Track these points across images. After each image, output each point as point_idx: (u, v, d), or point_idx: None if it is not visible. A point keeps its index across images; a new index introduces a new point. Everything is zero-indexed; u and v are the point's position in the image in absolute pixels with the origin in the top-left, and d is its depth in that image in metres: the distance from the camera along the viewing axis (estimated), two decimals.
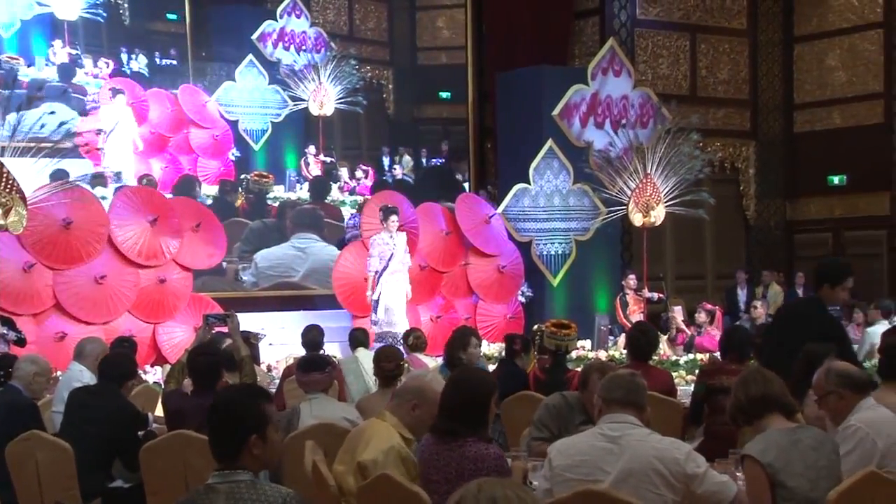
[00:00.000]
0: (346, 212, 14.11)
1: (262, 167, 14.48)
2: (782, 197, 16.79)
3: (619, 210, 12.48)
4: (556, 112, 13.13)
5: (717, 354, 8.07)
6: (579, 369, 6.04)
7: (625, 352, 8.83)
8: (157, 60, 14.37)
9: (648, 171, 12.17)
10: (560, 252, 13.20)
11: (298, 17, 14.96)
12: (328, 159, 15.02)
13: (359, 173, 15.44)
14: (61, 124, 10.36)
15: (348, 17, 15.75)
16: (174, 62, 14.54)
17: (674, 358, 10.03)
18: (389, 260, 11.17)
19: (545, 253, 13.12)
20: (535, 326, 9.34)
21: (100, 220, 10.29)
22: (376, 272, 11.15)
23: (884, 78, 15.62)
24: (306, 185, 14.50)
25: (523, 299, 12.78)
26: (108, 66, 14.04)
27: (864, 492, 3.78)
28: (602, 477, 3.77)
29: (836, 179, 16.26)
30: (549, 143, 13.04)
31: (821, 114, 16.57)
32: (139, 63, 14.31)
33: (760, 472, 3.72)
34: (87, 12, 13.78)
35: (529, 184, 12.96)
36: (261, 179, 13.80)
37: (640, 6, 15.42)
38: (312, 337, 8.20)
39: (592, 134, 13.31)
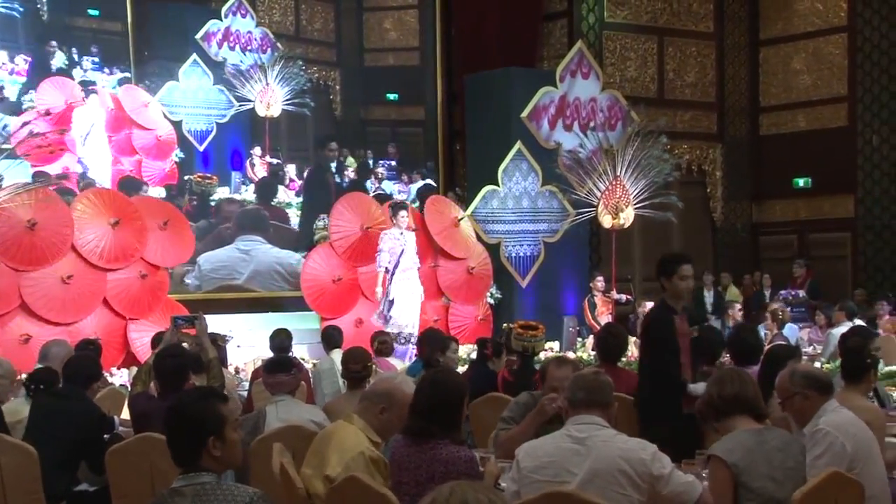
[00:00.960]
0: (293, 214, 13.88)
1: (206, 169, 14.24)
2: (748, 199, 16.93)
3: (587, 212, 12.54)
4: (524, 114, 13.16)
5: None
6: None
7: (593, 353, 8.86)
8: (76, 57, 13.86)
9: (618, 174, 12.24)
10: (529, 254, 13.23)
11: (244, 16, 14.62)
12: (274, 161, 14.73)
13: (306, 175, 14.96)
14: None
15: (295, 18, 15.55)
16: (96, 60, 13.99)
17: None
18: (400, 256, 11.04)
19: (514, 254, 13.15)
20: (504, 325, 9.36)
21: (64, 221, 10.20)
22: (386, 269, 11.00)
23: (848, 81, 15.79)
24: (252, 187, 14.22)
25: (492, 301, 12.80)
26: (25, 63, 13.54)
27: (828, 492, 3.81)
28: (569, 478, 3.78)
29: (801, 182, 16.42)
30: (518, 145, 13.08)
31: (786, 117, 16.73)
32: (85, 65, 13.82)
33: (725, 472, 3.75)
34: (3, 7, 13.27)
35: (498, 186, 12.99)
36: (204, 181, 13.55)
37: (607, 9, 15.49)
38: (280, 340, 8.17)
39: (561, 136, 13.36)
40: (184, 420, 3.01)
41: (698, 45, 16.56)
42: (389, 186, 15.29)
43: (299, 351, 10.21)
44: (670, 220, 12.72)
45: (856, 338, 6.44)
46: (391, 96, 16.31)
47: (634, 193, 12.28)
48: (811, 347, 10.66)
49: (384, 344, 8.24)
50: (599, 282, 12.80)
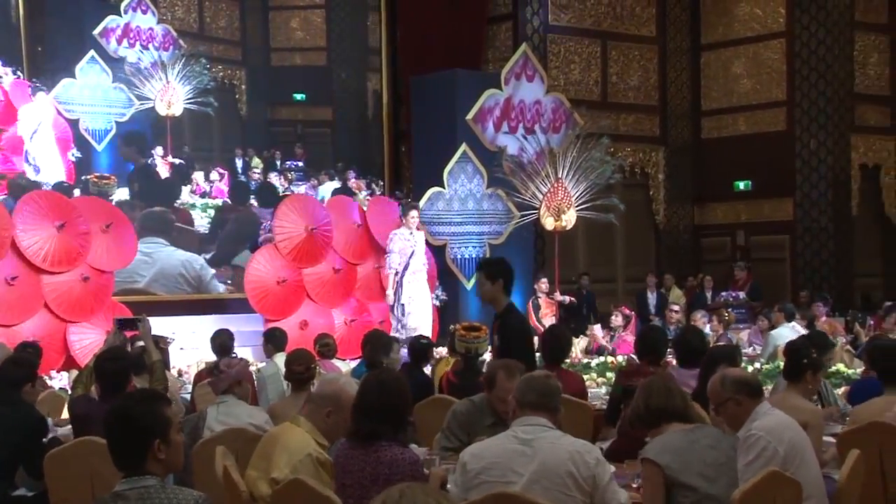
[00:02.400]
0: (197, 216, 13.53)
1: (104, 168, 13.69)
2: (690, 202, 17.15)
3: (531, 214, 12.60)
4: (470, 116, 13.19)
5: (634, 356, 8.17)
6: None
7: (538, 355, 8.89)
8: None
9: (560, 176, 12.32)
10: (474, 255, 13.26)
11: (144, 12, 14.25)
12: (177, 161, 14.34)
13: (214, 175, 14.76)
14: None
15: (198, 15, 15.24)
16: None
17: (585, 361, 10.13)
18: (410, 258, 10.84)
19: (459, 256, 13.18)
20: (452, 327, 9.37)
21: (2, 223, 10.02)
22: (396, 272, 10.79)
23: (786, 86, 16.06)
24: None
25: (438, 303, 12.81)
26: None
27: (766, 491, 3.88)
28: (515, 479, 3.80)
29: (741, 185, 16.67)
30: (464, 147, 13.11)
31: (727, 120, 16.98)
32: None
33: (657, 474, 3.80)
34: None
35: (444, 188, 13.01)
36: (101, 181, 13.09)
37: (552, 12, 15.60)
38: (222, 341, 8.10)
39: (506, 138, 13.41)
40: (129, 423, 2.98)
41: (641, 48, 16.73)
42: (297, 188, 15.00)
43: (243, 353, 10.10)
44: (613, 223, 12.83)
45: (798, 338, 6.54)
46: (298, 96, 16.11)
47: (576, 195, 12.37)
48: (751, 348, 10.80)
49: (327, 346, 8.22)
50: (543, 283, 12.87)
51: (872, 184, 16.42)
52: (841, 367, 8.15)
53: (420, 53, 14.79)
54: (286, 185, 14.97)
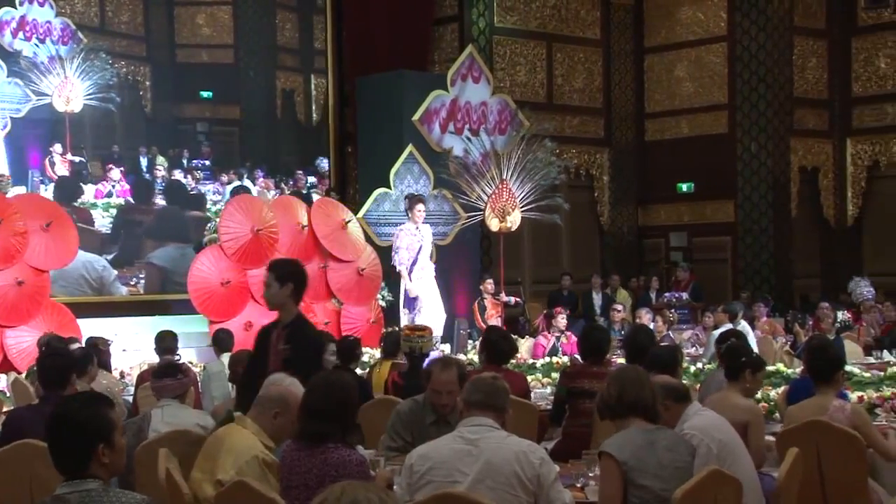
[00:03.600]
0: (98, 215, 13.30)
1: None
2: (634, 203, 17.32)
3: (477, 215, 12.64)
4: (416, 117, 13.21)
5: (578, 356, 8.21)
6: None
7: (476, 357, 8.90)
8: None
9: (505, 177, 12.37)
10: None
11: (42, 5, 13.71)
12: (77, 159, 13.88)
13: (115, 174, 14.19)
14: None
15: (99, 9, 14.66)
16: None
17: (531, 361, 10.18)
18: (418, 253, 10.48)
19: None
20: (384, 330, 9.38)
21: None
22: (406, 267, 10.43)
23: (728, 90, 16.29)
24: (52, 186, 13.34)
25: (384, 304, 12.79)
26: None
27: (708, 489, 3.93)
28: (461, 478, 3.82)
29: (684, 187, 16.88)
30: (410, 148, 13.11)
31: (670, 123, 17.18)
32: None
33: (615, 469, 3.83)
34: None
35: (390, 188, 13.00)
36: None
37: (497, 14, 15.66)
38: (166, 343, 8.03)
39: (452, 139, 13.45)
40: (73, 427, 2.93)
41: (586, 51, 16.87)
42: (204, 187, 14.76)
43: (187, 354, 10.04)
44: (557, 224, 12.92)
45: (732, 340, 6.64)
46: (205, 94, 15.84)
47: (521, 197, 12.44)
48: (693, 348, 10.94)
49: None
50: (489, 284, 12.91)
51: (811, 186, 16.71)
52: (780, 366, 8.29)
53: (366, 54, 14.76)
54: (193, 184, 14.73)
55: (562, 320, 10.87)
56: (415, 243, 10.51)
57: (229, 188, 14.69)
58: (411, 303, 10.49)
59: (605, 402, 4.10)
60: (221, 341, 8.43)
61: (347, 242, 12.36)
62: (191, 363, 9.51)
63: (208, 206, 14.49)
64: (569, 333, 10.96)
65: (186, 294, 11.48)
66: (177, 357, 7.97)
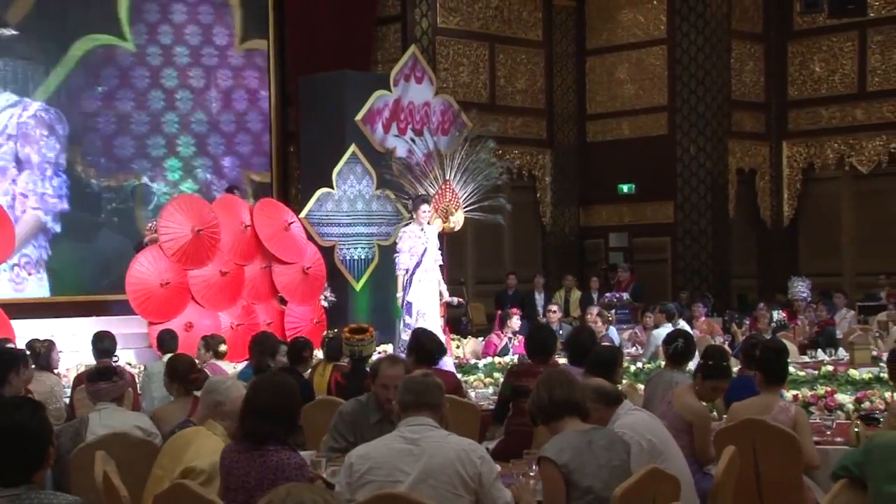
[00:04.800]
0: None
1: None
2: (576, 204, 17.45)
3: None
4: (359, 117, 13.18)
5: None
6: None
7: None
8: None
9: (448, 178, 12.39)
10: (363, 257, 13.25)
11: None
12: None
13: None
14: None
15: None
16: None
17: (473, 361, 10.22)
18: (423, 256, 10.04)
19: (348, 258, 13.14)
20: (325, 332, 9.34)
21: None
22: (407, 270, 9.99)
23: (668, 92, 16.49)
24: None
25: (326, 304, 12.75)
26: None
27: (646, 487, 3.98)
28: (402, 478, 3.83)
29: (625, 188, 17.04)
30: (353, 148, 13.09)
31: (611, 124, 17.33)
32: None
33: (556, 473, 3.86)
34: None
35: (333, 188, 12.96)
36: None
37: (440, 15, 15.68)
38: (103, 344, 7.93)
39: (395, 140, 13.44)
40: (28, 436, 2.88)
41: (528, 52, 16.96)
42: None
43: (126, 356, 9.91)
44: (500, 224, 12.97)
45: (683, 340, 6.66)
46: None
47: (464, 197, 12.45)
48: (634, 348, 11.06)
49: (209, 347, 8.15)
50: None
51: (748, 188, 16.97)
52: None
53: (308, 54, 14.70)
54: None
55: (516, 321, 10.88)
56: (419, 246, 10.07)
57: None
58: (409, 307, 10.09)
59: (537, 405, 4.14)
60: (165, 342, 8.35)
61: (290, 243, 12.32)
62: (129, 364, 9.40)
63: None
64: (520, 335, 10.99)
65: (125, 295, 11.34)
66: (115, 359, 7.87)
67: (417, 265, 10.05)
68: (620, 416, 4.47)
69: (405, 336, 9.69)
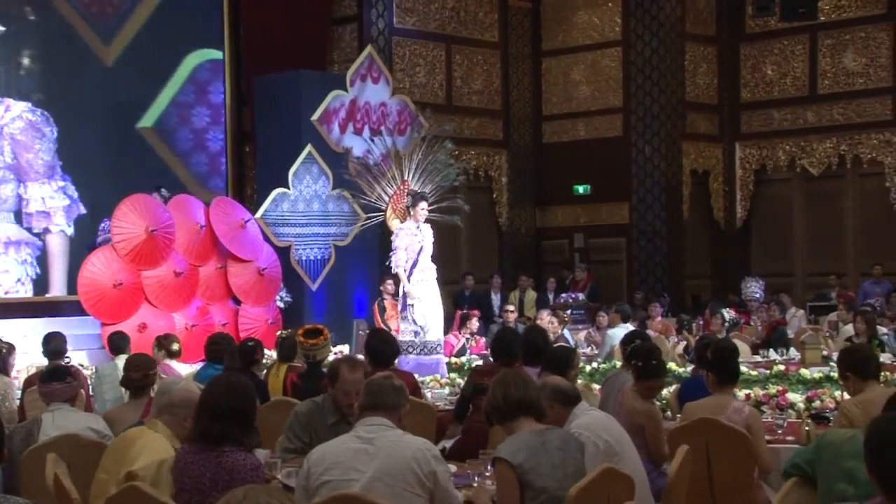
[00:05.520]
0: None
1: None
2: (532, 205, 17.52)
3: (377, 216, 12.62)
4: (315, 117, 13.13)
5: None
6: None
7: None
8: None
9: (406, 178, 12.38)
10: (319, 257, 13.21)
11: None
12: None
13: None
14: None
15: None
16: None
17: None
18: (419, 254, 9.82)
19: (304, 258, 13.09)
20: (279, 333, 9.31)
21: None
22: (404, 269, 9.79)
23: (623, 93, 16.61)
24: None
25: (282, 304, 12.70)
26: None
27: (601, 486, 4.02)
28: (357, 476, 3.84)
29: (581, 189, 17.14)
30: (309, 148, 13.04)
31: (567, 125, 17.43)
32: None
33: (511, 474, 3.88)
34: None
35: (289, 188, 12.90)
36: None
37: (396, 15, 15.67)
38: (55, 345, 7.85)
39: (351, 140, 13.41)
40: None
41: (484, 53, 17.00)
42: None
43: (78, 357, 9.81)
44: (457, 225, 12.98)
45: (640, 340, 6.73)
46: None
47: None
48: (589, 348, 11.13)
49: (163, 348, 8.09)
50: (389, 285, 12.88)
51: (702, 189, 17.14)
52: (672, 365, 8.49)
53: (264, 53, 14.61)
54: None
55: (476, 323, 10.91)
56: (415, 244, 9.90)
57: None
58: (410, 308, 9.87)
59: (492, 405, 4.17)
60: (117, 344, 8.27)
61: (246, 242, 12.25)
62: (81, 366, 9.29)
63: None
64: (478, 336, 11.02)
65: (77, 295, 11.22)
66: (66, 360, 7.79)
67: (414, 264, 9.84)
68: (577, 416, 4.51)
69: (412, 338, 9.61)
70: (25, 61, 13.64)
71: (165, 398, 4.38)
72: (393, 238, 10.16)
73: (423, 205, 10.00)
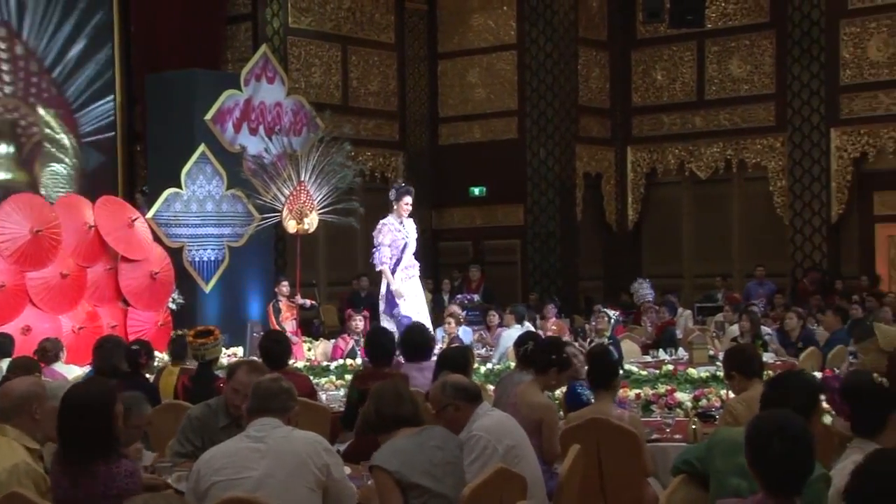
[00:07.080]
0: None
1: None
2: (429, 206, 17.58)
3: (273, 217, 12.52)
4: (208, 117, 12.94)
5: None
6: None
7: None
8: None
9: (302, 179, 12.32)
10: (213, 258, 13.02)
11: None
12: None
13: None
14: None
15: None
16: None
17: (325, 363, 10.18)
18: (402, 251, 9.47)
19: (197, 259, 12.89)
20: (173, 333, 9.16)
21: None
22: (388, 266, 9.42)
23: (518, 96, 16.80)
24: None
25: (174, 306, 12.47)
26: None
27: (494, 486, 4.06)
28: (249, 474, 3.82)
29: (476, 191, 17.28)
30: (202, 147, 12.84)
31: (463, 128, 17.55)
32: None
33: (388, 480, 3.90)
34: None
35: (181, 189, 12.68)
36: None
37: (292, 15, 15.56)
38: None
39: (246, 140, 13.25)
40: None
41: (381, 54, 17.00)
42: None
43: None
44: (353, 226, 12.96)
45: (532, 341, 6.80)
46: None
47: (318, 199, 12.41)
48: (484, 349, 11.21)
49: (47, 352, 7.89)
50: (284, 286, 12.79)
51: (595, 192, 17.45)
52: None
53: (156, 51, 14.34)
54: None
55: (358, 323, 10.80)
56: (399, 240, 9.60)
57: None
58: (393, 304, 9.57)
59: (366, 420, 4.21)
60: (1, 346, 8.02)
61: (134, 241, 11.99)
62: None
63: None
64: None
65: None
66: None
67: (398, 262, 9.56)
68: (479, 417, 4.54)
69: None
70: None
71: (6, 401, 4.18)
72: (375, 234, 9.80)
73: (408, 199, 9.65)
